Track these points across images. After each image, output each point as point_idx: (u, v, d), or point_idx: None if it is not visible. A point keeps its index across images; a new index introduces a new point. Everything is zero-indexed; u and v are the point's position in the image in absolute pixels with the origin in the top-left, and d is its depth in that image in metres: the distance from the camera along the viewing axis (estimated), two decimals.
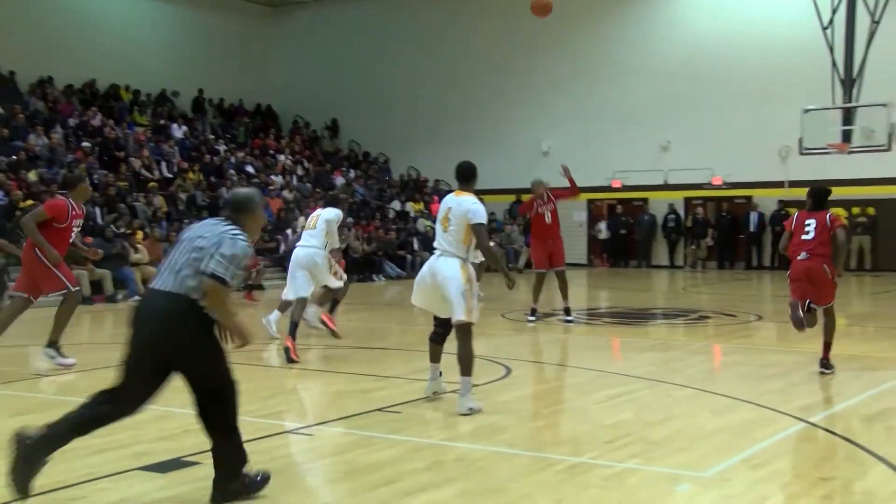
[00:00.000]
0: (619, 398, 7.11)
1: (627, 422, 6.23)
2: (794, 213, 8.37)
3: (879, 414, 6.50)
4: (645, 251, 26.24)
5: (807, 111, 19.51)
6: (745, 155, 24.44)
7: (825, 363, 8.04)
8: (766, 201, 24.50)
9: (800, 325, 7.91)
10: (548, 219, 12.30)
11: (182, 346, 4.16)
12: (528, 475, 4.93)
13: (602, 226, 26.79)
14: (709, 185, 25.48)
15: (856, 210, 23.07)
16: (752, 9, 24.86)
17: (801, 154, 20.16)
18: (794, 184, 23.69)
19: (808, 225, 8.00)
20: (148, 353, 4.17)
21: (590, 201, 27.13)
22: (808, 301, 7.92)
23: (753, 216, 24.46)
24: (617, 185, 26.71)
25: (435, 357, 6.82)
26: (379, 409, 6.54)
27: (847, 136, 19.32)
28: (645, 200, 26.50)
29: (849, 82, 19.99)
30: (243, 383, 4.48)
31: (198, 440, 4.64)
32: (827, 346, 8.04)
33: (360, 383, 7.80)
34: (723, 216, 25.02)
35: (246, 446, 4.38)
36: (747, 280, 21.80)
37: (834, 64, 20.01)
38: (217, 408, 4.25)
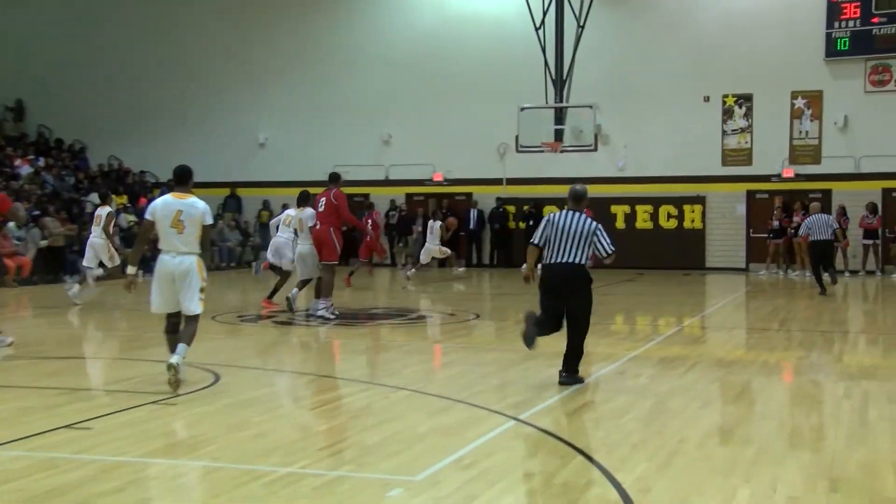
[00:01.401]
0: (333, 403, 7.16)
1: (341, 427, 6.29)
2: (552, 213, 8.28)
3: (581, 407, 7.06)
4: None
5: (523, 109, 20.82)
6: (466, 151, 25.57)
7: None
8: (486, 198, 25.80)
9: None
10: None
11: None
12: (233, 489, 4.82)
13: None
14: (430, 182, 26.41)
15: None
16: (474, 5, 26.08)
17: (518, 152, 21.48)
18: (512, 181, 25.21)
19: None
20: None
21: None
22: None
23: (473, 213, 25.65)
24: None
25: (174, 347, 7.48)
26: (66, 426, 6.11)
27: (559, 136, 20.83)
28: (366, 196, 26.93)
29: (559, 82, 21.61)
30: None
31: None
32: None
33: (47, 398, 7.25)
34: (444, 213, 25.96)
35: None
36: (467, 278, 22.80)
37: (546, 64, 21.52)
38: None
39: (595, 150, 21.51)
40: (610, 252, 8.00)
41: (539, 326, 7.86)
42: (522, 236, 24.49)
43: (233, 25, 27.52)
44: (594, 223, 8.03)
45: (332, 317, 12.42)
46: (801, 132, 23.32)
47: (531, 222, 24.30)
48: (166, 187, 21.24)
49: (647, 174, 24.46)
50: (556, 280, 7.86)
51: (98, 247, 14.65)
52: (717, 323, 13.61)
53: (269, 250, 14.74)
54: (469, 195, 26.13)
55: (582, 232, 7.86)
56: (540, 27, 21.62)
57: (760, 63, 23.32)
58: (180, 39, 27.84)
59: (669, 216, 24.49)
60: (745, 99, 23.61)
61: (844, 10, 22.97)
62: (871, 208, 22.23)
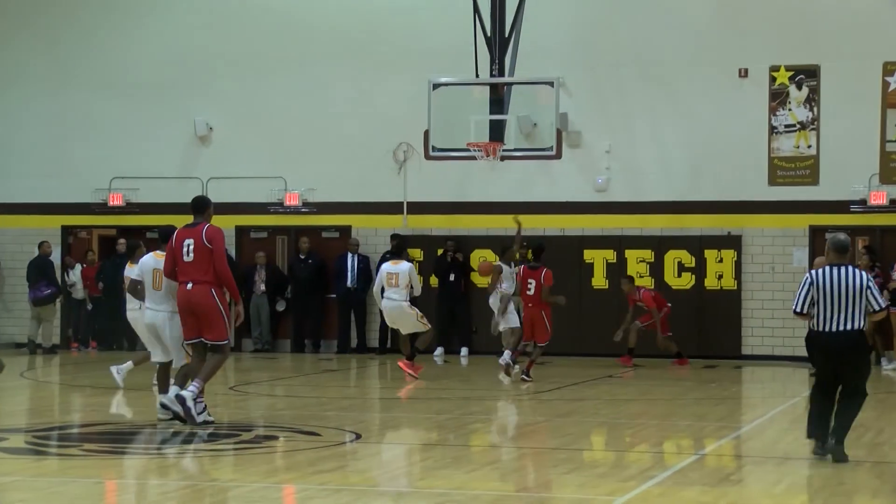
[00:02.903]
0: None
1: None
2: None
3: None
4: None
5: (436, 87, 21.06)
6: (340, 157, 25.66)
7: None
8: (374, 236, 25.88)
9: None
10: None
11: None
12: None
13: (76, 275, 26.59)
14: (278, 207, 26.42)
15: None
16: None
17: (429, 158, 21.71)
18: (417, 207, 25.34)
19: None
20: None
21: (66, 228, 27.07)
22: None
23: (352, 261, 25.65)
24: (117, 200, 26.85)
25: None
26: None
27: (498, 132, 21.12)
28: (170, 228, 26.83)
29: (498, 44, 21.90)
30: None
31: None
32: None
33: None
34: (301, 260, 25.99)
35: None
36: (341, 371, 22.80)
37: (476, 14, 21.80)
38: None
39: (558, 156, 21.88)
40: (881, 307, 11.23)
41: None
42: (441, 298, 24.69)
43: None
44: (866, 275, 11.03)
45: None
46: None
47: (452, 277, 24.50)
48: None
49: (643, 198, 24.97)
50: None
51: None
52: (760, 448, 13.89)
53: None
54: (346, 230, 26.21)
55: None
56: None
57: (831, 17, 24.14)
58: None
59: (682, 268, 24.97)
60: (808, 75, 24.41)
61: None
62: None
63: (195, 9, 26.58)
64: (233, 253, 26.40)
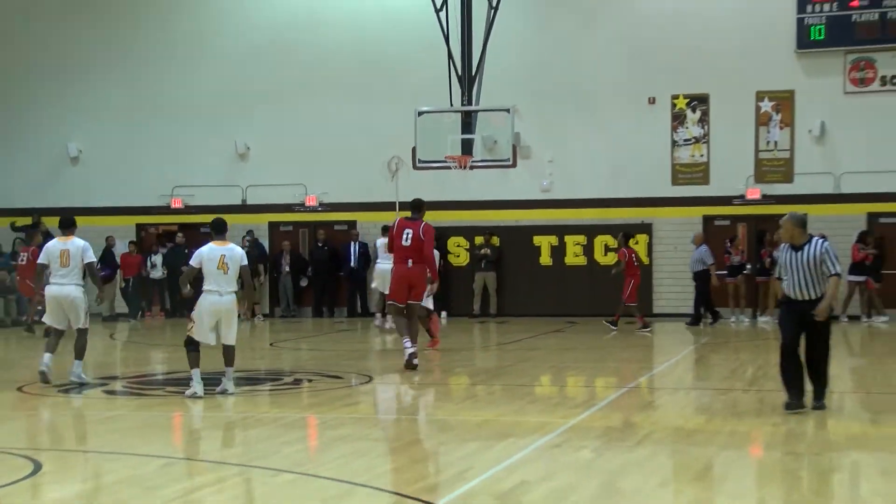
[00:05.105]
0: (201, 491, 7.32)
1: None
2: None
3: (514, 488, 7.41)
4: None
5: (421, 114, 21.25)
6: (347, 168, 25.83)
7: None
8: (373, 228, 26.00)
9: None
10: None
11: None
12: None
13: (158, 259, 26.50)
14: (301, 207, 26.56)
15: (479, 240, 25.38)
16: None
17: (416, 168, 21.91)
18: (407, 206, 25.51)
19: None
20: None
21: (139, 226, 27.16)
22: None
23: (354, 248, 25.83)
24: (178, 204, 26.92)
25: None
26: None
27: (468, 147, 21.34)
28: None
29: (467, 80, 22.12)
30: None
31: None
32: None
33: None
34: (319, 247, 26.17)
35: None
36: (351, 331, 23.00)
37: (450, 56, 22.03)
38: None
39: (513, 165, 22.09)
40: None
41: None
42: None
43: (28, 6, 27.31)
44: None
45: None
46: (768, 143, 24.48)
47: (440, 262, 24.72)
48: None
49: (578, 196, 25.22)
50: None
51: None
52: (670, 383, 14.18)
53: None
54: (351, 224, 26.42)
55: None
56: (442, 8, 22.14)
57: (718, 56, 24.42)
58: None
59: (607, 249, 25.18)
60: (700, 101, 24.71)
61: None
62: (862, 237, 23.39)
63: (235, 51, 26.62)
64: (266, 243, 26.67)
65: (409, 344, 14.09)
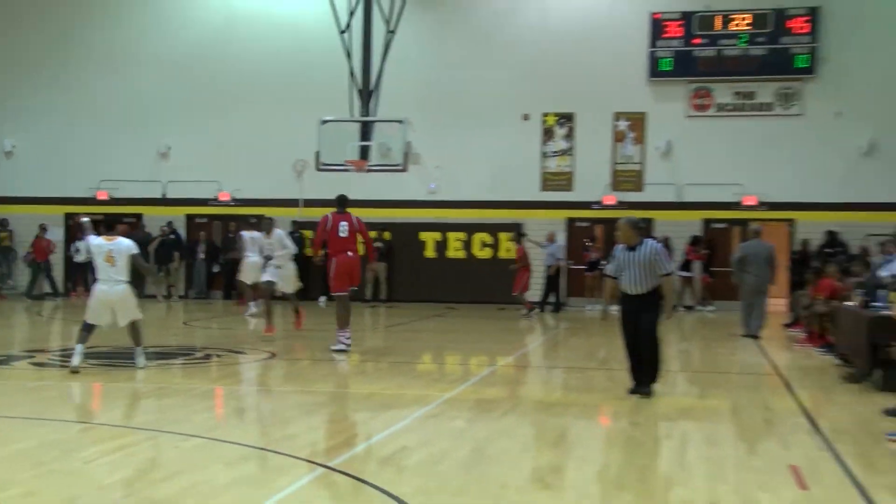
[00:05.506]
0: (115, 454, 7.21)
1: (126, 482, 6.38)
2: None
3: (396, 453, 7.46)
4: (134, 278, 26.09)
5: (324, 122, 21.19)
6: (258, 168, 25.64)
7: None
8: (281, 222, 25.77)
9: None
10: None
11: None
12: None
13: (83, 245, 25.83)
14: (215, 201, 26.26)
15: (373, 234, 25.34)
16: (268, 3, 26.30)
17: (319, 170, 21.82)
18: (311, 203, 25.47)
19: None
20: None
21: (68, 215, 26.52)
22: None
23: (292, 244, 25.48)
24: (103, 196, 26.37)
25: None
26: None
27: (365, 153, 21.36)
28: (139, 216, 26.47)
29: (366, 94, 22.16)
30: None
31: None
32: None
33: None
34: (230, 238, 25.85)
35: None
36: (258, 313, 22.75)
37: (352, 73, 22.01)
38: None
39: (404, 170, 22.18)
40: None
41: None
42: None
43: None
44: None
45: None
46: (623, 156, 24.99)
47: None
48: None
49: (460, 198, 25.39)
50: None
51: None
52: (534, 362, 14.42)
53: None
54: (261, 218, 26.06)
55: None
56: (345, 31, 22.10)
57: (582, 80, 24.83)
58: None
59: (484, 245, 25.48)
60: (567, 119, 25.10)
61: (667, 29, 24.86)
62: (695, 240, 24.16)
63: (161, 61, 26.25)
64: (183, 234, 26.27)
65: (345, 336, 13.83)
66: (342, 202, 14.27)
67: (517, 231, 22.78)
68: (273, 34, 25.96)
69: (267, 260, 16.82)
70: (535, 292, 23.05)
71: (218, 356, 13.76)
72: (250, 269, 18.25)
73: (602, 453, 7.90)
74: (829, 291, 15.01)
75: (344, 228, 13.86)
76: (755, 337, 16.76)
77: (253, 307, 19.21)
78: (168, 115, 26.20)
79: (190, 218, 26.62)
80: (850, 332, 12.04)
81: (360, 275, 14.36)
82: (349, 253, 13.89)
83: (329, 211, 14.23)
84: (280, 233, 17.14)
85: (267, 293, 16.40)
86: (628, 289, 10.11)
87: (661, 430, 8.68)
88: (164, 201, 26.39)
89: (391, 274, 25.52)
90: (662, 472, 7.09)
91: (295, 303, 17.01)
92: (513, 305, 23.67)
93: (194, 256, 26.07)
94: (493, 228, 25.43)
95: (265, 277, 16.52)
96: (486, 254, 25.46)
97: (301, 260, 25.25)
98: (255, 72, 25.77)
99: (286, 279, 16.73)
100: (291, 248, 17.07)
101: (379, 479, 6.49)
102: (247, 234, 18.96)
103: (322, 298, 24.05)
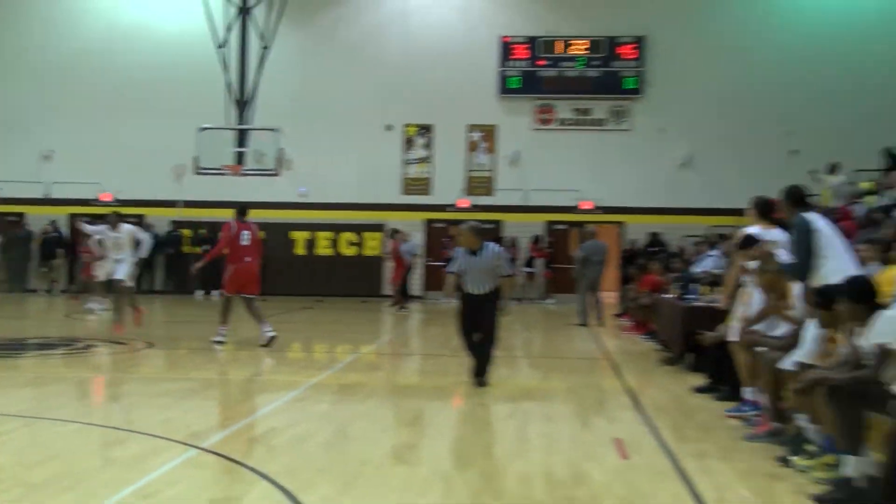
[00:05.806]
0: None
1: (3, 466, 6.10)
2: None
3: (265, 433, 7.36)
4: (18, 273, 25.03)
5: (202, 129, 20.71)
6: (140, 171, 24.88)
7: None
8: (161, 221, 25.20)
9: None
10: None
11: None
12: None
13: None
14: (97, 202, 25.38)
15: None
16: (150, 16, 25.59)
17: (197, 174, 21.32)
18: (189, 204, 24.88)
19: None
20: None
21: None
22: None
23: (147, 237, 24.78)
24: None
25: None
26: None
27: (240, 159, 20.98)
28: (21, 215, 25.37)
29: (242, 104, 21.80)
30: None
31: None
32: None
33: None
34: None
35: None
36: (145, 306, 22.10)
37: (228, 84, 21.60)
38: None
39: (277, 174, 21.88)
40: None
41: None
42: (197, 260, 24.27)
43: None
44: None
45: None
46: (476, 164, 25.29)
47: (207, 247, 24.12)
48: None
49: (328, 200, 25.21)
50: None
51: None
52: (393, 350, 14.43)
53: None
54: (142, 217, 25.39)
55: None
56: (223, 46, 21.67)
57: (440, 95, 24.99)
58: None
59: (350, 243, 25.39)
60: (426, 129, 25.22)
61: (515, 51, 25.26)
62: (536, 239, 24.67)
63: (45, 66, 25.28)
64: (66, 232, 25.29)
65: (224, 330, 13.44)
66: (245, 211, 13.81)
67: (392, 229, 22.71)
68: (154, 46, 25.26)
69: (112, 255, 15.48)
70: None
71: (98, 347, 13.29)
72: (101, 265, 16.94)
73: (453, 431, 7.96)
74: (652, 285, 15.50)
75: (246, 237, 13.48)
76: (586, 325, 17.22)
77: (94, 304, 18.29)
78: (51, 119, 25.15)
79: (73, 217, 25.60)
80: (669, 321, 12.47)
81: (256, 283, 13.71)
82: (247, 259, 13.49)
83: (231, 217, 13.77)
84: (130, 227, 15.81)
85: (124, 291, 15.47)
86: (472, 289, 9.86)
87: (505, 410, 8.80)
88: (48, 201, 25.32)
89: (263, 270, 24.97)
90: (505, 447, 7.21)
91: (132, 299, 15.81)
92: (375, 299, 23.67)
93: (76, 253, 25.07)
94: (359, 228, 25.38)
95: (117, 276, 15.36)
96: (352, 251, 25.38)
97: (181, 256, 24.89)
98: (136, 80, 25.01)
99: (127, 273, 15.64)
100: (146, 239, 15.89)
101: (249, 459, 6.39)
102: (90, 228, 17.58)
103: (199, 292, 23.58)
